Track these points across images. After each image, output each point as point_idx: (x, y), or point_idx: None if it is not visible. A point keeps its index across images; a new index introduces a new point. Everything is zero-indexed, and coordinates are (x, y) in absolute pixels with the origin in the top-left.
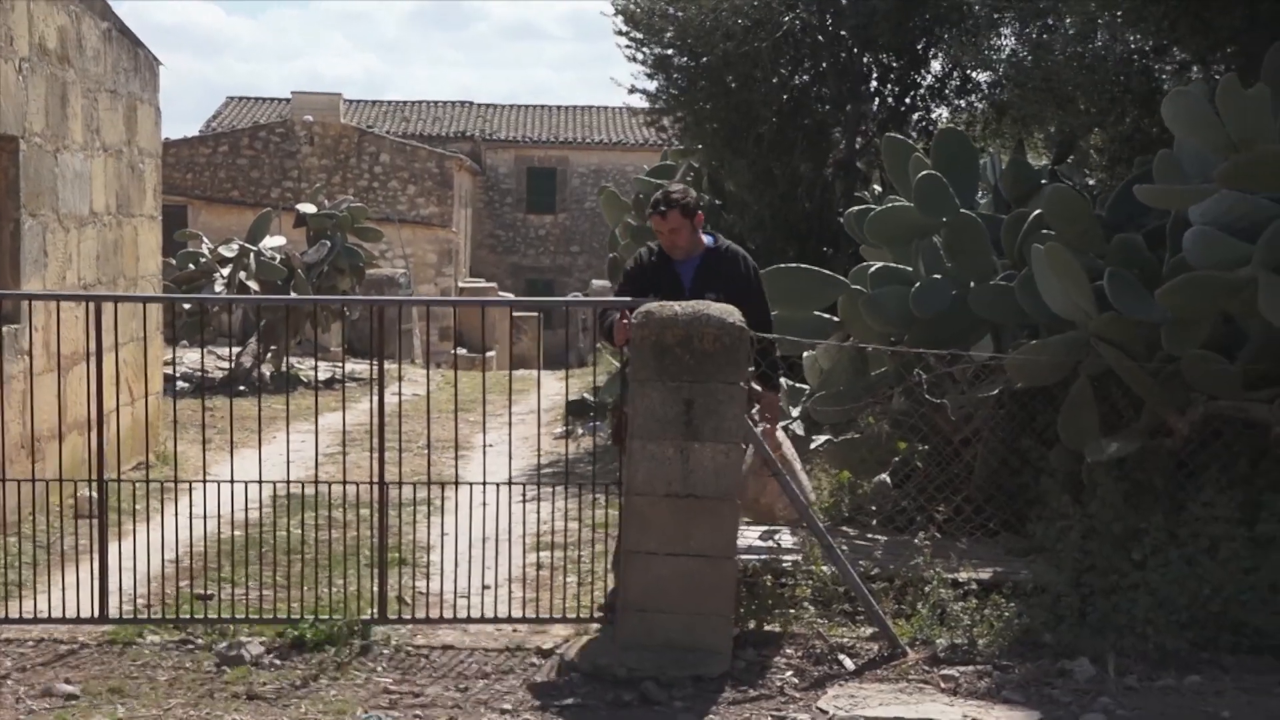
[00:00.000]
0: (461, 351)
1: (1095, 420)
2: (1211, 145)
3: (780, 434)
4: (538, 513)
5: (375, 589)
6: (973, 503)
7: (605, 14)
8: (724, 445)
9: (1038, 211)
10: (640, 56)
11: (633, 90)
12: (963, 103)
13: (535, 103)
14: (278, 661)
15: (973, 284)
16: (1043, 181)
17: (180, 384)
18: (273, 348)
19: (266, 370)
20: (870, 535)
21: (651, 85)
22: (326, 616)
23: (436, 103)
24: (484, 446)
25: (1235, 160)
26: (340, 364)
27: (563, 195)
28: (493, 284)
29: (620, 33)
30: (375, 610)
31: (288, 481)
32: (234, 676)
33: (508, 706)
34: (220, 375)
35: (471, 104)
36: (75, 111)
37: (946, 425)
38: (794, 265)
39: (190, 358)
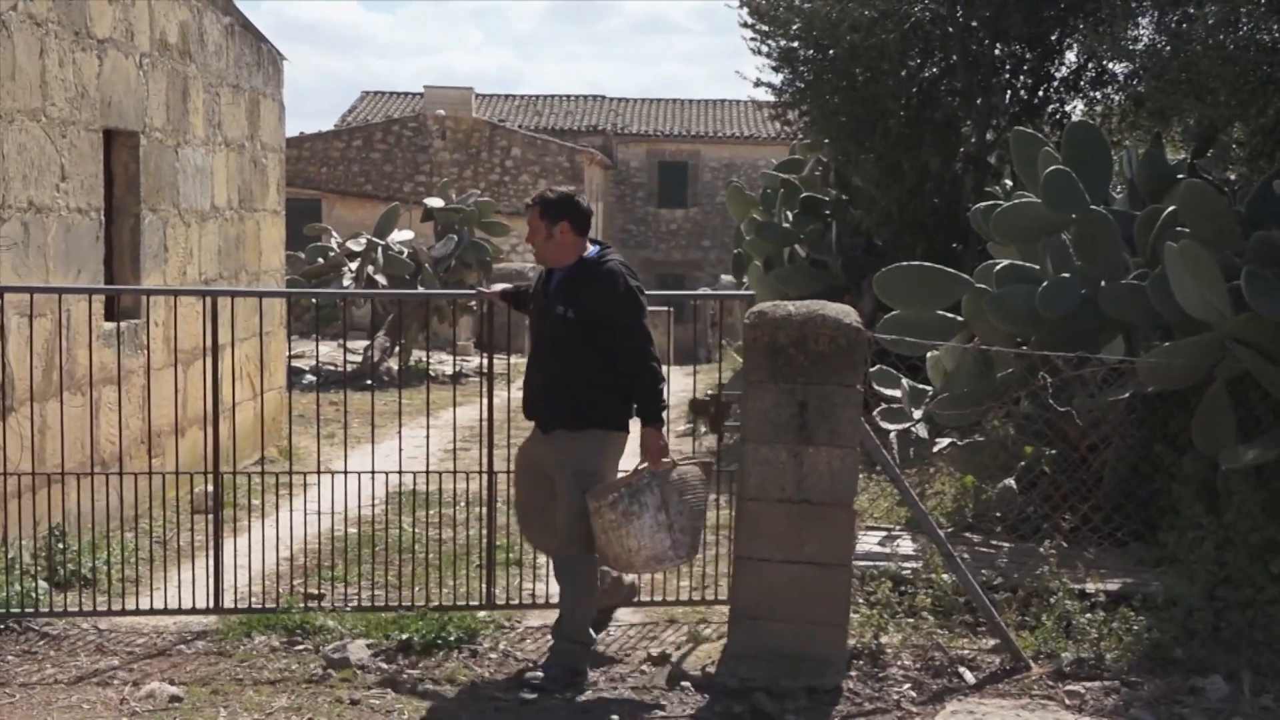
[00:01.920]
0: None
1: (1231, 426)
2: None
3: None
4: None
5: (483, 590)
6: (1101, 511)
7: (730, 6)
8: (839, 449)
9: (1172, 208)
10: (765, 49)
11: (758, 84)
12: (1098, 95)
13: (667, 96)
14: (384, 665)
15: (1103, 283)
16: (1179, 176)
17: (309, 378)
18: (400, 342)
19: (394, 365)
20: (994, 543)
21: (777, 78)
22: (434, 620)
23: (568, 96)
24: None
25: None
26: (468, 358)
27: (694, 189)
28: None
29: (745, 25)
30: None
31: (400, 472)
32: (339, 680)
33: (615, 716)
34: (349, 370)
35: (603, 98)
36: (196, 106)
37: (1074, 430)
38: (916, 263)
39: (321, 352)
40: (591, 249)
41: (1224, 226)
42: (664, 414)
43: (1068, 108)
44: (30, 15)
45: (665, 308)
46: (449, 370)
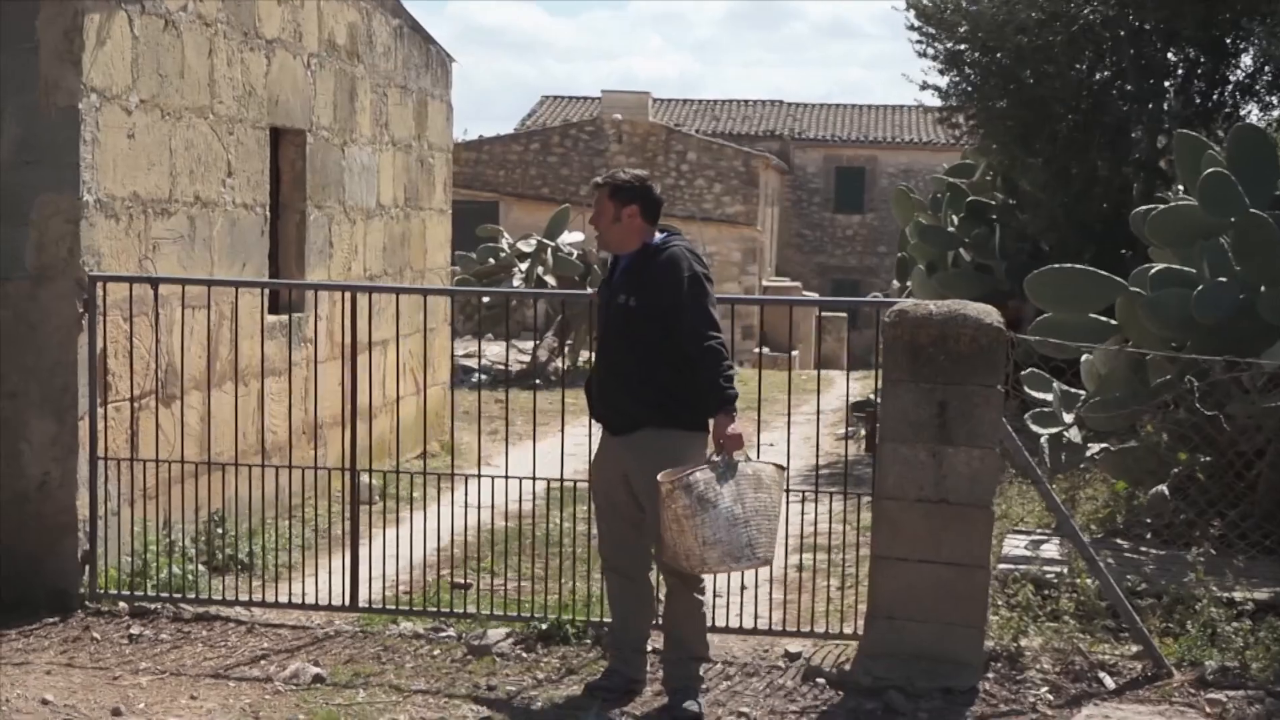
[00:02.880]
0: (766, 351)
1: None
2: None
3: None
4: (802, 514)
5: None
6: (1255, 518)
7: (897, 9)
8: (979, 450)
9: None
10: (931, 52)
11: (925, 87)
12: (1275, 99)
13: (846, 102)
14: (524, 654)
15: (1263, 288)
16: None
17: (479, 376)
18: (569, 342)
19: (563, 364)
20: (1143, 549)
21: (943, 81)
22: (568, 614)
23: (745, 101)
24: (758, 445)
25: None
26: None
27: (870, 195)
28: (797, 283)
29: (912, 27)
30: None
31: (532, 478)
32: (478, 667)
33: (745, 709)
34: (519, 368)
35: (780, 103)
36: (364, 106)
37: (1226, 436)
38: (1069, 266)
39: (491, 352)
40: (658, 235)
41: None
42: (735, 400)
43: (1243, 112)
44: (200, 15)
45: (842, 313)
46: None
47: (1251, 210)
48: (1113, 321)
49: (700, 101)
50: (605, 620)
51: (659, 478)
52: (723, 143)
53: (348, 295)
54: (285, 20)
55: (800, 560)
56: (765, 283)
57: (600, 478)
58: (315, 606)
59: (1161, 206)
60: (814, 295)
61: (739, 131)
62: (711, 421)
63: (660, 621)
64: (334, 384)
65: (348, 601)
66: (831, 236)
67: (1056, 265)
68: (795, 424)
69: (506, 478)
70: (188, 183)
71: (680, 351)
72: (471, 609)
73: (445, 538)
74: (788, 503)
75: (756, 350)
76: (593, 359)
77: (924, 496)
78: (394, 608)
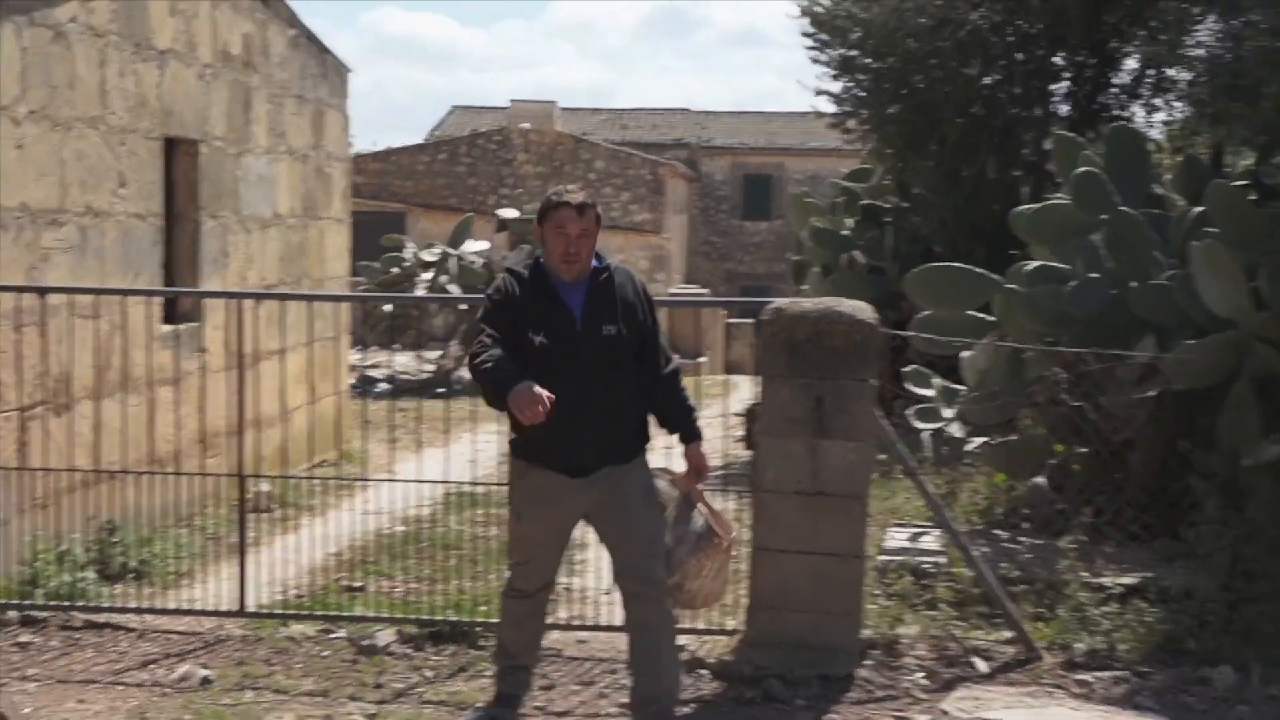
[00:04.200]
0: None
1: (1257, 422)
2: None
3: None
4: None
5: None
6: (1129, 507)
7: (790, 15)
8: (854, 443)
9: (1200, 209)
10: (825, 58)
11: (819, 92)
12: (1158, 102)
13: (754, 110)
14: (413, 653)
15: (1133, 284)
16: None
17: (383, 385)
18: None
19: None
20: (1020, 539)
21: (836, 87)
22: (465, 611)
23: (653, 110)
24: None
25: None
26: None
27: (778, 202)
28: (705, 290)
29: (807, 34)
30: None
31: (420, 481)
32: (367, 667)
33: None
34: (425, 377)
35: (688, 111)
36: (259, 116)
37: (1105, 427)
38: (946, 264)
39: (398, 361)
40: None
41: (1251, 227)
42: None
43: (1127, 114)
44: (90, 27)
45: (750, 319)
46: None
47: (1122, 208)
48: (991, 318)
49: (608, 110)
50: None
51: (719, 532)
52: (630, 151)
53: (238, 304)
54: (178, 31)
55: None
56: (673, 290)
57: (549, 525)
58: (205, 612)
59: (1036, 205)
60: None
61: (647, 140)
62: (686, 451)
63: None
64: (230, 393)
65: (237, 607)
66: (739, 244)
67: (935, 264)
68: None
69: (390, 481)
70: (79, 193)
71: (644, 376)
72: (362, 611)
73: (341, 543)
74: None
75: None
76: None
77: (801, 489)
78: (283, 612)
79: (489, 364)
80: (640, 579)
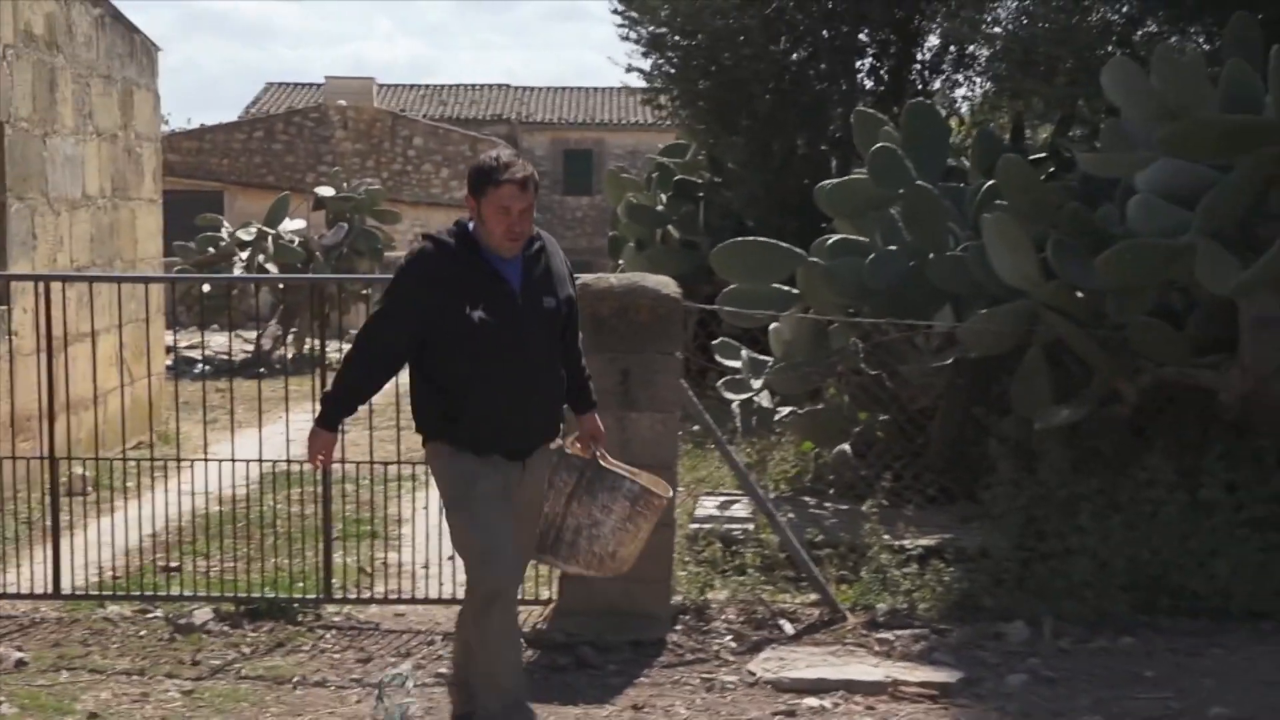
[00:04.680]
0: None
1: (1048, 388)
2: (1149, 114)
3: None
4: None
5: (321, 565)
6: (929, 471)
7: None
8: (661, 414)
9: (991, 182)
10: (635, 35)
11: (630, 69)
12: (960, 77)
13: (575, 85)
14: (229, 630)
15: (930, 255)
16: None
17: (200, 366)
18: (293, 330)
19: (288, 353)
20: (826, 505)
21: (646, 64)
22: (282, 587)
23: (473, 86)
24: None
25: (1171, 128)
26: None
27: (599, 177)
28: None
29: (615, 11)
30: (322, 584)
31: (232, 460)
32: (184, 645)
33: (444, 670)
34: (243, 357)
35: (508, 87)
36: (65, 97)
37: (905, 395)
38: (750, 239)
39: (218, 342)
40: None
41: (1040, 199)
42: None
43: (931, 89)
44: None
45: None
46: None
47: (918, 183)
48: (795, 290)
49: (427, 86)
50: (312, 596)
51: (656, 491)
52: (449, 128)
53: (47, 287)
54: None
55: None
56: None
57: (499, 490)
58: (19, 595)
59: (836, 180)
60: None
61: (467, 116)
62: (584, 420)
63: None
64: (42, 375)
65: (51, 589)
66: (561, 218)
67: (739, 239)
68: None
69: (206, 460)
70: None
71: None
72: (179, 590)
73: (159, 524)
74: None
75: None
76: (476, 378)
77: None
78: (99, 593)
79: (351, 378)
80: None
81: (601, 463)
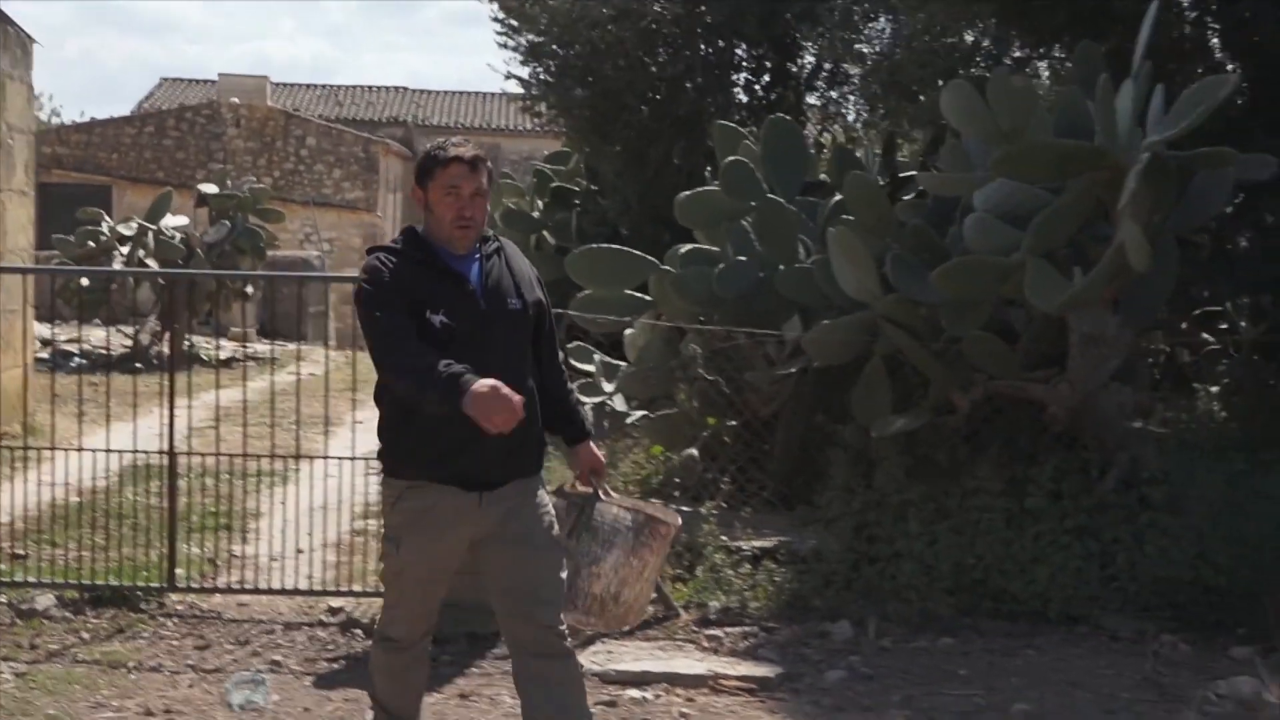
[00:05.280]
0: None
1: (887, 398)
2: (985, 135)
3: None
4: (366, 485)
5: (165, 554)
6: (771, 476)
7: (476, 2)
8: None
9: (839, 198)
10: (513, 44)
11: (508, 77)
12: (835, 94)
13: (471, 89)
14: (70, 616)
15: (781, 267)
16: (914, 173)
17: (76, 360)
18: (174, 326)
19: (167, 348)
20: (675, 507)
21: (525, 72)
22: (126, 574)
23: (370, 87)
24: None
25: (1005, 151)
26: (250, 344)
27: (494, 181)
28: None
29: (495, 19)
30: (166, 574)
31: (79, 448)
32: (24, 629)
33: (278, 659)
34: (122, 352)
35: (405, 89)
36: None
37: (753, 401)
38: (605, 246)
39: (98, 336)
40: None
41: (885, 215)
42: None
43: (807, 103)
44: None
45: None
46: (225, 355)
47: (769, 196)
48: (648, 297)
49: (324, 86)
50: (156, 584)
51: (663, 518)
52: (342, 128)
53: None
54: None
55: (355, 526)
56: None
57: (435, 557)
58: None
59: (691, 192)
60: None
61: (363, 117)
62: (580, 451)
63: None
64: None
65: None
66: None
67: (594, 246)
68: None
69: (54, 449)
70: None
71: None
72: (23, 577)
73: (14, 513)
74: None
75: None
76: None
77: None
78: None
79: (418, 363)
80: (545, 629)
81: (602, 496)
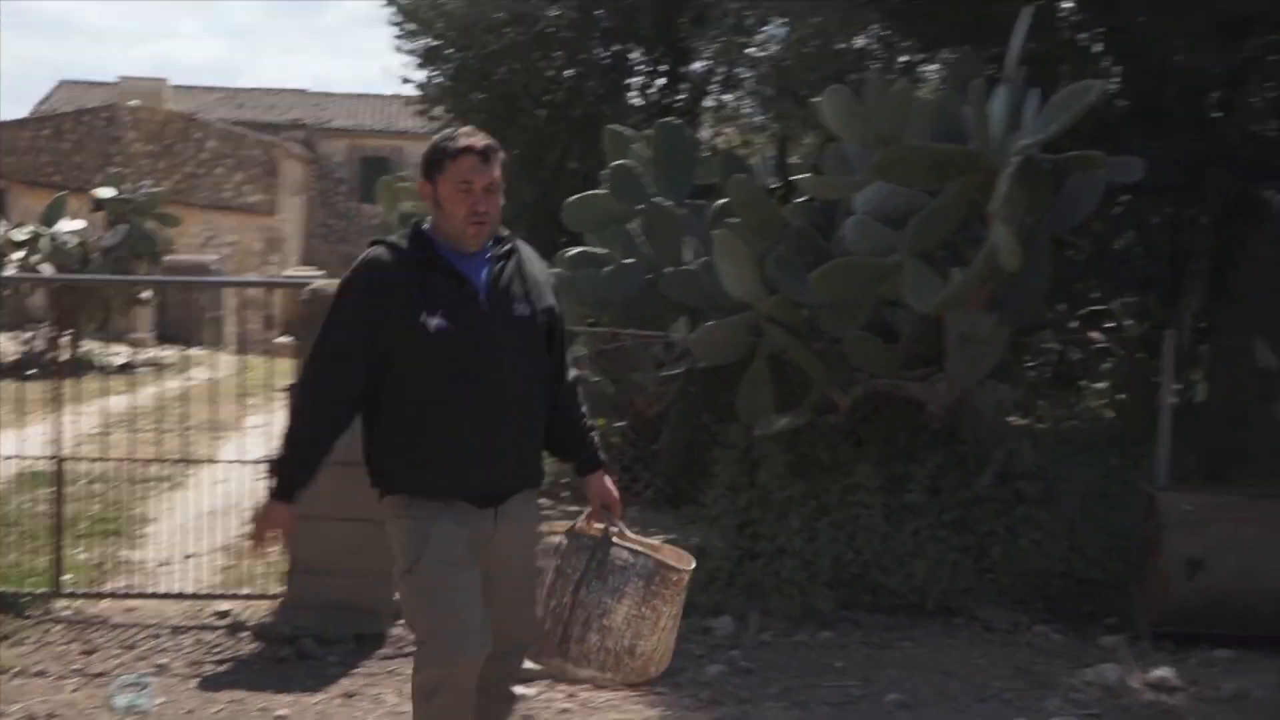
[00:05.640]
0: (290, 339)
1: (771, 397)
2: (862, 140)
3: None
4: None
5: (53, 560)
6: (660, 475)
7: (380, 4)
8: None
9: (724, 200)
10: (410, 47)
11: (405, 80)
12: (728, 97)
13: (372, 91)
14: None
15: (667, 269)
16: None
17: None
18: (69, 331)
19: (63, 355)
20: (562, 508)
21: (421, 75)
22: (14, 579)
23: (270, 89)
24: (245, 429)
25: (883, 155)
26: (142, 350)
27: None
28: (322, 272)
29: (393, 23)
30: (52, 579)
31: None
32: None
33: (164, 662)
34: (14, 359)
35: (306, 92)
36: None
37: (640, 402)
38: None
39: None
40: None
41: (769, 217)
42: None
43: (703, 106)
44: None
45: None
46: (121, 361)
47: (655, 199)
48: None
49: (225, 89)
50: (42, 590)
51: (674, 564)
52: (243, 131)
53: None
54: None
55: (246, 530)
56: (288, 273)
57: (462, 551)
58: None
59: (578, 195)
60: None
61: (265, 120)
62: (590, 481)
63: None
64: None
65: None
66: (357, 226)
67: None
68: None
69: None
70: None
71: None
72: None
73: None
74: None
75: (278, 339)
76: (434, 401)
77: (337, 458)
78: None
79: (304, 425)
80: (505, 676)
81: (615, 539)
